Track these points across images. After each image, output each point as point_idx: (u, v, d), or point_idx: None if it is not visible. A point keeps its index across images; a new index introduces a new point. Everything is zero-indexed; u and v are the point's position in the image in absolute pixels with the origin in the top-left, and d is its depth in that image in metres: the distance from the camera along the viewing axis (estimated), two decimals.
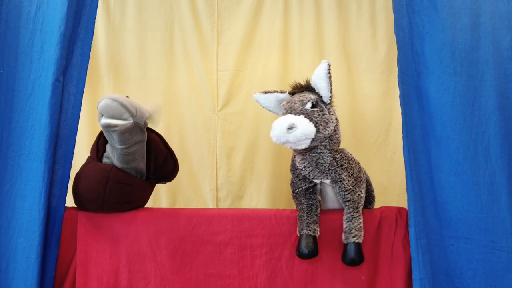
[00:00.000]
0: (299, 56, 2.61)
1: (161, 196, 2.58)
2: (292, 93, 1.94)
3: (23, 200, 1.84)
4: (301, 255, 1.85)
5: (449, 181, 1.87)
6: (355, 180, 1.89)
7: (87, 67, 1.97)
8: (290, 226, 1.93)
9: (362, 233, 1.85)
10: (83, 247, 1.91)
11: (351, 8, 2.63)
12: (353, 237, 1.83)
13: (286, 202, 2.52)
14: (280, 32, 2.62)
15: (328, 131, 1.84)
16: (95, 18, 1.98)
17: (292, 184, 1.98)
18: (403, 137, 1.90)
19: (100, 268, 1.90)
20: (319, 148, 1.86)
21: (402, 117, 1.90)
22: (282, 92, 1.97)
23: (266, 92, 1.97)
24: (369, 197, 2.08)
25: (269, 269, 1.91)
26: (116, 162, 1.93)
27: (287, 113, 1.84)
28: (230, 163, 2.61)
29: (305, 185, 1.95)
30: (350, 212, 1.86)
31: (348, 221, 1.86)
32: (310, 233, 1.86)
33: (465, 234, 1.85)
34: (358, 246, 1.83)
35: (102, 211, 1.92)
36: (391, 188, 2.52)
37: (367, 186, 2.07)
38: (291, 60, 2.62)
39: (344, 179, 1.87)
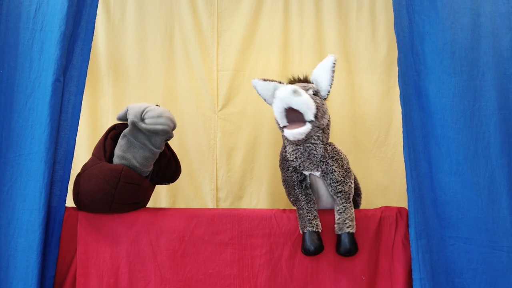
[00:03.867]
0: (299, 56, 2.61)
1: (161, 196, 2.58)
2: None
3: (23, 200, 1.84)
4: (307, 252, 1.85)
5: (449, 181, 1.87)
6: (345, 171, 1.90)
7: (87, 67, 1.97)
8: (290, 226, 1.93)
9: (354, 223, 1.86)
10: (84, 247, 1.91)
11: (351, 8, 2.63)
12: (348, 227, 1.84)
13: (286, 202, 2.50)
14: (280, 32, 2.62)
15: (324, 121, 1.83)
16: (95, 18, 1.98)
17: (284, 180, 1.98)
18: (403, 137, 1.90)
19: (100, 268, 1.90)
20: (313, 138, 1.85)
21: (402, 117, 1.90)
22: (281, 83, 1.94)
23: (265, 80, 1.94)
24: (357, 190, 2.09)
25: (269, 269, 1.91)
26: (137, 163, 1.94)
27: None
28: (230, 163, 2.61)
29: (297, 176, 1.95)
30: (343, 203, 1.87)
31: (341, 212, 1.86)
32: (314, 230, 1.86)
33: (465, 234, 1.85)
34: (352, 236, 1.84)
35: (109, 212, 1.92)
36: (391, 188, 2.52)
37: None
38: (291, 60, 2.62)
39: (335, 171, 1.88)
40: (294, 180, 1.96)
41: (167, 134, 1.98)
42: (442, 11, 1.93)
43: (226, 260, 1.92)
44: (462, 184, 1.87)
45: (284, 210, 1.99)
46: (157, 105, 2.02)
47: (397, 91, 1.94)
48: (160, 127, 1.94)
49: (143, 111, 1.96)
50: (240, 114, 2.60)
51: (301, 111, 1.77)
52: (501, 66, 1.92)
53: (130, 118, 1.97)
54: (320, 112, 1.80)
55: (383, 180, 2.46)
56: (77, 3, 1.93)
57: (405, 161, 1.88)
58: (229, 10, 2.63)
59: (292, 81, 1.94)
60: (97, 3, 1.99)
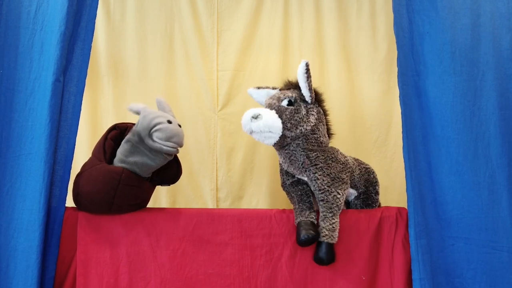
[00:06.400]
0: (299, 56, 2.61)
1: (161, 196, 2.58)
2: (282, 90, 1.97)
3: (23, 200, 1.84)
4: (300, 242, 1.84)
5: (449, 181, 1.87)
6: (332, 180, 1.88)
7: (87, 67, 1.97)
8: (290, 226, 1.93)
9: (334, 234, 1.84)
10: (83, 247, 1.91)
11: (351, 8, 2.63)
12: (323, 236, 1.83)
13: (286, 202, 2.50)
14: (280, 32, 2.62)
15: (298, 130, 1.85)
16: (95, 18, 1.98)
17: (280, 178, 2.03)
18: (403, 137, 1.90)
19: (100, 268, 1.90)
20: (292, 145, 1.88)
21: (402, 117, 1.90)
22: (274, 88, 2.01)
23: (259, 88, 2.03)
24: (368, 199, 2.07)
25: (269, 269, 1.91)
26: (138, 169, 1.92)
27: (265, 108, 1.89)
28: (230, 163, 2.61)
29: (289, 179, 1.99)
30: (323, 211, 1.87)
31: (321, 220, 1.87)
32: (304, 219, 1.87)
33: (465, 234, 1.85)
34: (328, 246, 1.83)
35: (109, 213, 1.92)
36: (391, 188, 2.51)
37: (367, 187, 2.06)
38: (291, 60, 2.62)
39: (318, 178, 1.87)
40: (285, 182, 2.00)
41: (172, 155, 1.96)
42: (442, 11, 1.93)
43: (226, 260, 1.92)
44: (462, 184, 1.87)
45: (284, 210, 1.99)
46: (169, 121, 1.93)
47: (397, 91, 1.94)
48: (166, 148, 1.90)
49: (153, 127, 1.90)
50: (240, 114, 2.56)
51: (264, 137, 1.84)
52: (501, 66, 1.92)
53: (138, 128, 1.93)
54: (290, 123, 1.84)
55: (383, 180, 2.45)
56: (77, 3, 1.93)
57: (405, 161, 1.88)
58: (229, 10, 2.63)
59: (285, 84, 1.98)
60: (97, 3, 1.99)
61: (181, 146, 1.95)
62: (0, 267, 1.82)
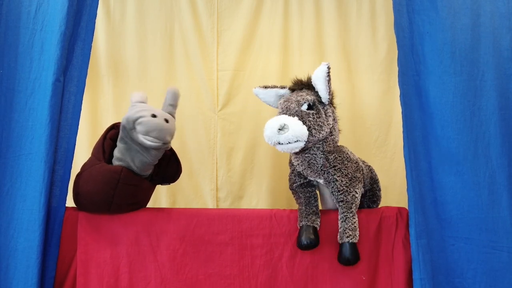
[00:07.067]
0: (299, 56, 2.61)
1: (161, 196, 2.58)
2: (292, 89, 1.94)
3: (23, 200, 1.84)
4: (301, 246, 1.84)
5: (450, 181, 1.87)
6: (349, 180, 1.87)
7: (88, 67, 1.97)
8: (290, 226, 1.93)
9: (357, 233, 1.84)
10: (84, 247, 1.91)
11: (351, 8, 2.63)
12: (347, 237, 1.82)
13: (286, 202, 2.52)
14: (280, 32, 2.62)
15: (322, 134, 1.83)
16: (95, 18, 1.98)
17: (290, 179, 2.01)
18: (403, 137, 1.90)
19: (100, 268, 1.90)
20: (312, 149, 1.86)
21: (402, 117, 1.90)
22: (282, 87, 1.97)
23: (266, 87, 1.98)
24: (374, 197, 2.09)
25: (269, 269, 1.91)
26: (135, 167, 1.93)
27: (282, 113, 1.84)
28: (230, 163, 2.61)
29: (300, 180, 1.97)
30: (344, 212, 1.86)
31: (342, 221, 1.85)
32: (309, 224, 1.86)
33: (466, 234, 1.85)
34: (352, 246, 1.82)
35: (109, 213, 1.92)
36: (391, 188, 2.51)
37: (372, 185, 2.07)
38: (291, 60, 2.62)
39: (337, 180, 1.86)
40: (295, 182, 1.98)
41: (158, 149, 1.92)
42: (442, 11, 1.93)
43: (226, 260, 1.92)
44: (462, 184, 1.86)
45: (284, 210, 1.99)
46: (154, 115, 1.91)
47: (397, 91, 1.94)
48: (148, 143, 1.88)
49: (136, 119, 1.89)
50: (240, 114, 2.60)
51: (291, 147, 1.78)
52: (501, 66, 1.92)
53: (124, 122, 1.93)
54: (314, 129, 1.80)
55: (383, 180, 2.45)
56: (77, 3, 1.93)
57: (405, 161, 1.88)
58: (229, 10, 2.63)
59: (295, 83, 1.94)
60: (97, 3, 1.99)
61: (164, 141, 1.90)
62: (0, 267, 1.82)
